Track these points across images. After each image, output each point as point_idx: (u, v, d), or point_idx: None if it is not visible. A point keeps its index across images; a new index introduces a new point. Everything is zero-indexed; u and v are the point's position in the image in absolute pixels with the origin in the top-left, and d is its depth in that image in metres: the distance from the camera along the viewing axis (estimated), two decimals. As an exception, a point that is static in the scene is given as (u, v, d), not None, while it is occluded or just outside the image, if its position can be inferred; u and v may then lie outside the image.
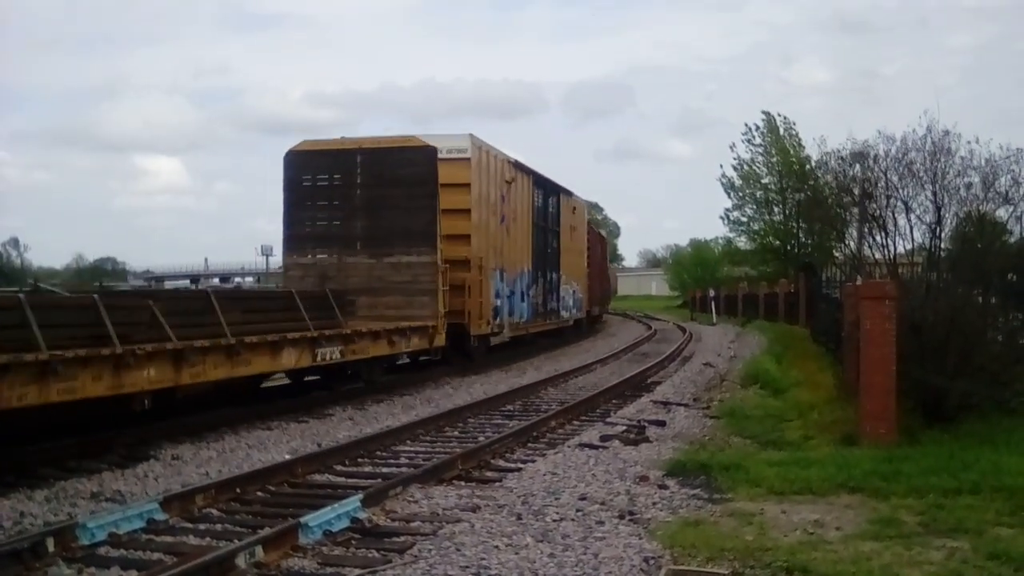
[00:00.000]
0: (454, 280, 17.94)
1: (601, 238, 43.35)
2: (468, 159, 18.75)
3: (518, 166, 22.44)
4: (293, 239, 17.93)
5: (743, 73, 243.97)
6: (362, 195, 17.42)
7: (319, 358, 13.09)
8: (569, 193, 29.18)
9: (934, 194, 13.41)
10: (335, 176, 17.63)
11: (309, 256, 17.74)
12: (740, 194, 50.82)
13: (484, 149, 19.81)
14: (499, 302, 20.60)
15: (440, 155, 17.55)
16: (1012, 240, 13.93)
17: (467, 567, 5.92)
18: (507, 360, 21.86)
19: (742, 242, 53.59)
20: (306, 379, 14.93)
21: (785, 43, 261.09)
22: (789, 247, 45.92)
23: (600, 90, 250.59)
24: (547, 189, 25.96)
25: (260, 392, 14.03)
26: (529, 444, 10.98)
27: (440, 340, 17.28)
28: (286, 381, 15.03)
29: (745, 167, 50.20)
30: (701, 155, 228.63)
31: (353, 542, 6.71)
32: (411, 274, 16.93)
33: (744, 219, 51.36)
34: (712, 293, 50.06)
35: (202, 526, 7.21)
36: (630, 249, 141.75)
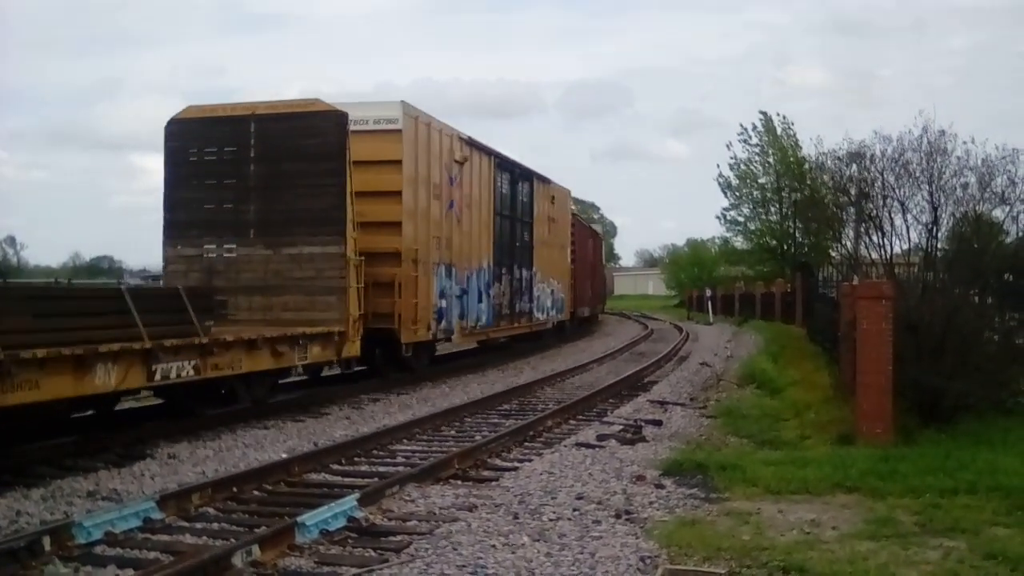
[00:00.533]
0: (380, 277, 15.22)
1: (593, 233, 40.40)
2: (399, 131, 15.68)
3: (473, 144, 19.38)
4: (175, 226, 14.60)
5: (739, 74, 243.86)
6: (257, 172, 14.15)
7: (159, 376, 9.96)
8: (546, 180, 25.98)
9: (930, 194, 13.46)
10: (226, 149, 14.33)
11: (194, 247, 14.39)
12: (737, 194, 50.89)
13: (423, 121, 16.69)
14: (444, 303, 17.68)
15: (364, 126, 15.24)
16: (1008, 240, 13.97)
17: (464, 566, 5.92)
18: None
19: (739, 242, 53.66)
20: (150, 403, 12.58)
21: (781, 44, 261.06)
22: (786, 247, 46.01)
23: (597, 90, 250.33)
24: (515, 174, 22.90)
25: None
26: (526, 443, 10.98)
27: (352, 349, 14.00)
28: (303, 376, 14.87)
29: (742, 167, 50.29)
30: (697, 155, 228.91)
31: (350, 541, 6.70)
32: (314, 268, 13.77)
33: (741, 219, 51.45)
34: (709, 293, 50.10)
35: (199, 525, 7.20)
36: (627, 249, 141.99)
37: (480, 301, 19.96)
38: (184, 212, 14.53)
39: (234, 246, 14.25)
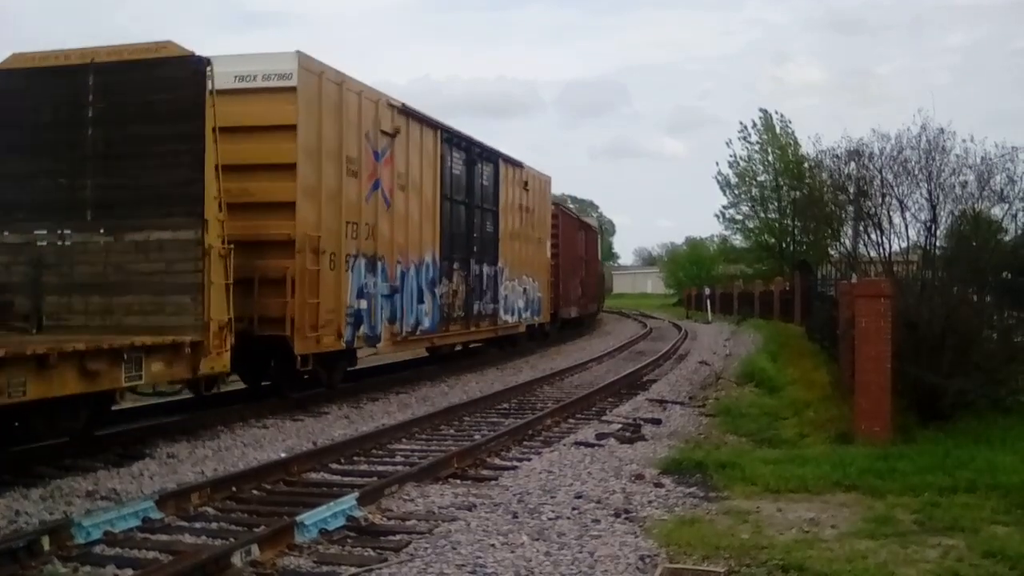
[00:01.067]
0: (268, 271, 12.25)
1: (583, 226, 36.28)
2: (293, 88, 12.48)
3: (408, 113, 16.08)
4: None
5: (737, 72, 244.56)
6: (96, 137, 11.01)
7: None
8: (516, 163, 22.67)
9: (929, 192, 13.46)
10: (60, 108, 11.17)
11: (20, 234, 11.14)
12: (736, 192, 51.04)
13: (330, 78, 13.30)
14: (365, 304, 14.41)
15: (250, 82, 12.57)
16: (1007, 238, 13.98)
17: (463, 565, 5.92)
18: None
19: (738, 240, 53.75)
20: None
21: (779, 42, 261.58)
22: (784, 245, 46.12)
23: (595, 88, 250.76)
24: (472, 153, 19.55)
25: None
26: (525, 442, 10.97)
27: (218, 364, 10.66)
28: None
29: (741, 164, 50.39)
30: (695, 154, 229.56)
31: (349, 540, 6.70)
32: (164, 260, 10.64)
33: (740, 217, 51.56)
34: (707, 291, 50.14)
35: (198, 524, 7.20)
36: (626, 247, 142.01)
37: (421, 301, 16.65)
38: (8, 189, 11.35)
39: (69, 232, 11.05)
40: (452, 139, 18.33)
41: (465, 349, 21.93)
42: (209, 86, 10.56)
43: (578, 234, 33.84)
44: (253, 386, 14.26)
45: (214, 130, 10.56)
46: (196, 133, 10.62)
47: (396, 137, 15.42)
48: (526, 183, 23.38)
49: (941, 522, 6.82)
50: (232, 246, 10.94)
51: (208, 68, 10.62)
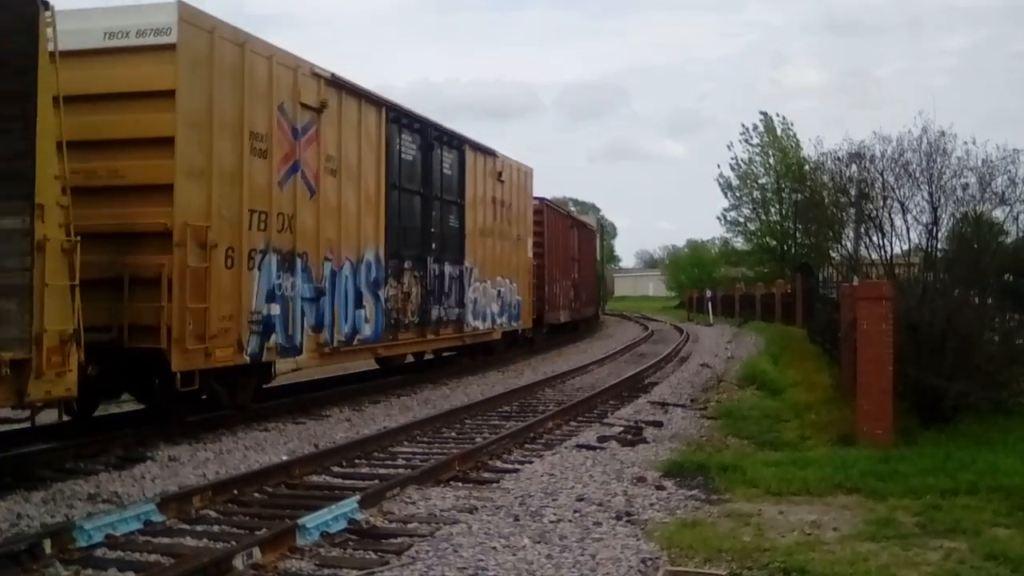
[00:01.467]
0: (139, 269, 10.15)
1: (577, 224, 34.07)
2: (172, 46, 10.25)
3: (340, 85, 13.42)
4: None
5: (736, 74, 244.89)
6: None
7: None
8: (488, 151, 20.19)
9: (930, 195, 13.46)
10: None
11: None
12: (737, 194, 51.10)
13: (226, 37, 11.02)
14: (278, 308, 11.92)
15: (122, 40, 10.42)
16: (1009, 240, 13.98)
17: (464, 568, 5.92)
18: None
19: (739, 243, 53.79)
20: None
21: (778, 44, 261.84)
22: (786, 247, 46.13)
23: (594, 90, 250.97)
24: (429, 136, 16.88)
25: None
26: (526, 445, 10.97)
27: (57, 387, 8.14)
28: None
29: (743, 167, 50.46)
30: (696, 155, 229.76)
31: (350, 543, 6.69)
32: None
33: (741, 219, 51.62)
34: (709, 294, 50.15)
35: (199, 527, 7.20)
36: (627, 250, 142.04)
37: (360, 306, 14.17)
38: None
39: None
40: (401, 119, 15.82)
41: (431, 359, 19.85)
42: (50, 36, 8.15)
43: (569, 232, 31.84)
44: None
45: (56, 99, 8.16)
46: (24, 93, 8.08)
47: (323, 112, 12.95)
48: (500, 174, 20.92)
49: (943, 524, 6.82)
50: (79, 238, 8.38)
51: (46, 13, 8.17)
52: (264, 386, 12.85)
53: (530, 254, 24.12)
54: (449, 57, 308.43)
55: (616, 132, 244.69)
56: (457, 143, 18.46)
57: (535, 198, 25.12)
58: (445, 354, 20.31)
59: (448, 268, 18.01)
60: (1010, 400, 11.00)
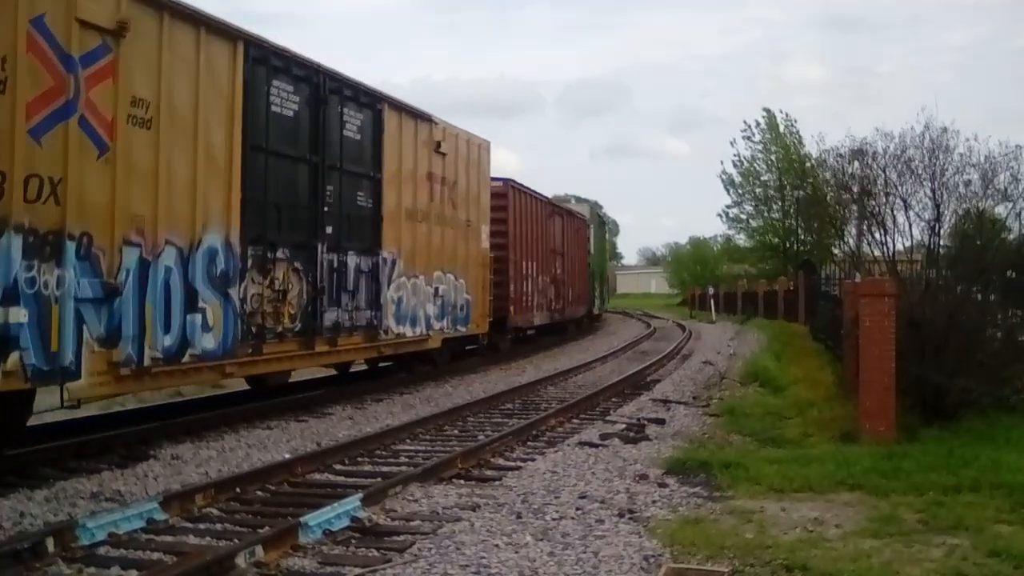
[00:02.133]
0: None
1: (561, 212, 30.16)
2: None
3: (160, 4, 9.93)
4: None
5: (738, 71, 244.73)
6: None
7: None
8: (419, 114, 16.33)
9: (933, 191, 13.41)
10: None
11: None
12: (740, 191, 51.04)
13: None
14: (25, 314, 8.21)
15: None
16: (1011, 237, 13.95)
17: (467, 566, 5.92)
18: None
19: (741, 240, 53.76)
20: None
21: (779, 41, 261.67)
22: (788, 244, 46.07)
23: (595, 88, 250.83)
24: (321, 87, 13.11)
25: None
26: (529, 443, 10.97)
27: None
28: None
29: (745, 164, 50.41)
30: (697, 152, 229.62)
31: (353, 541, 6.70)
32: None
33: (744, 216, 51.58)
34: (711, 291, 50.15)
35: (202, 526, 7.21)
36: (629, 247, 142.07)
37: (193, 309, 10.49)
38: None
39: None
40: (271, 60, 11.98)
41: (363, 370, 16.89)
42: None
43: (549, 221, 27.40)
44: (257, 388, 13.47)
45: None
46: None
47: (123, 38, 9.36)
48: (440, 144, 17.00)
49: (945, 521, 6.81)
50: None
51: None
52: (25, 425, 9.17)
53: (485, 244, 20.02)
54: (451, 55, 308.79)
55: (618, 129, 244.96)
56: (370, 100, 14.56)
57: (497, 178, 21.63)
58: (381, 364, 17.02)
59: (354, 259, 14.07)
60: (1013, 397, 10.99)
